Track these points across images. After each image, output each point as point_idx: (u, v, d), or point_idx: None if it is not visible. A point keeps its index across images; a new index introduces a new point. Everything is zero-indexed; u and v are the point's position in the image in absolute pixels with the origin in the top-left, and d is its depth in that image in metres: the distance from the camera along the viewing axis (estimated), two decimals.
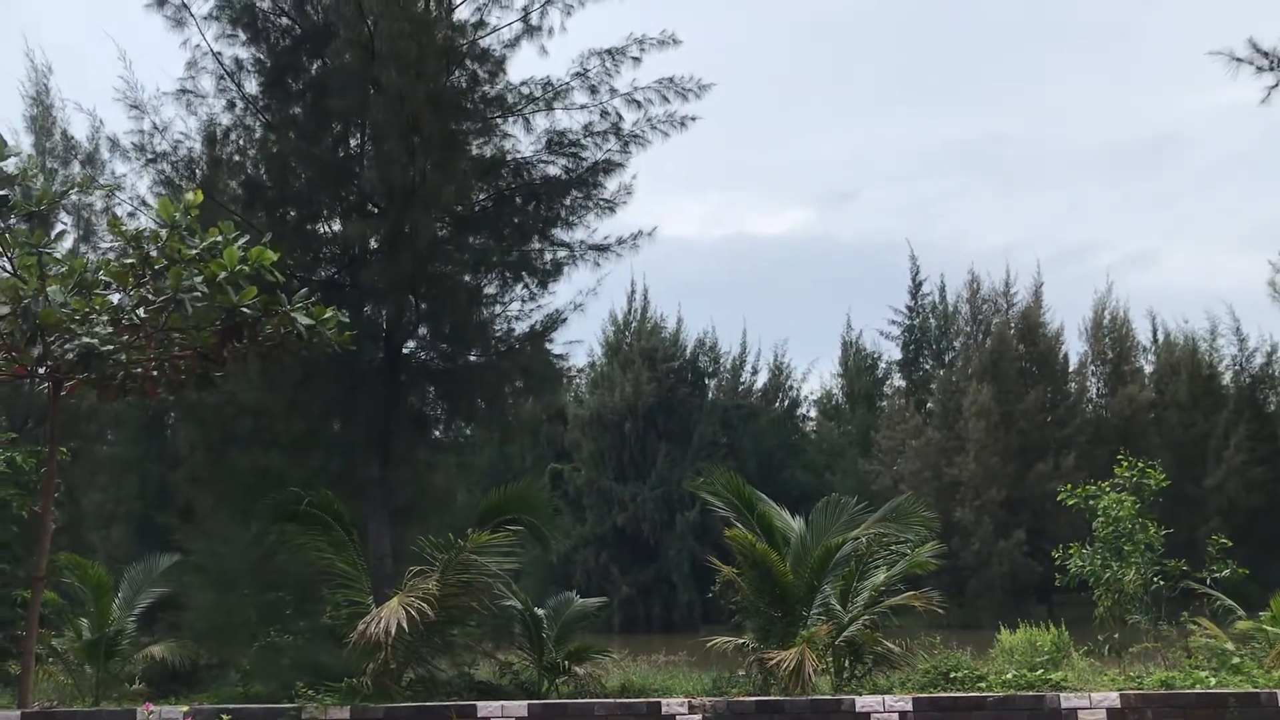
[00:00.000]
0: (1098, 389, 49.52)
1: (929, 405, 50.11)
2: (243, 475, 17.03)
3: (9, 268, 8.45)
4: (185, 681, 17.67)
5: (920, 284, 56.44)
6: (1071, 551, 16.92)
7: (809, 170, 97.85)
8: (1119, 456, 17.70)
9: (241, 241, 9.19)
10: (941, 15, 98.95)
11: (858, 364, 57.72)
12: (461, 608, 11.99)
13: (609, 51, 17.25)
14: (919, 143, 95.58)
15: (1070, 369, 49.37)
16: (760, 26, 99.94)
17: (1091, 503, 16.77)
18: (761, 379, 57.28)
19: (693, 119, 17.64)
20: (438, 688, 12.67)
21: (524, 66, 17.09)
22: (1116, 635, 15.75)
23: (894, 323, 56.41)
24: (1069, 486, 17.55)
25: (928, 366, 55.61)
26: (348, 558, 12.33)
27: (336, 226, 17.82)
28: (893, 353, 57.13)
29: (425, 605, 10.82)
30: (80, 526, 26.16)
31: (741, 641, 13.83)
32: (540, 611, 14.24)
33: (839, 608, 13.56)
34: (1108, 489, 16.77)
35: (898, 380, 56.65)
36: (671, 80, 17.45)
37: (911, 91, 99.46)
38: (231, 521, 16.32)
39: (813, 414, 59.52)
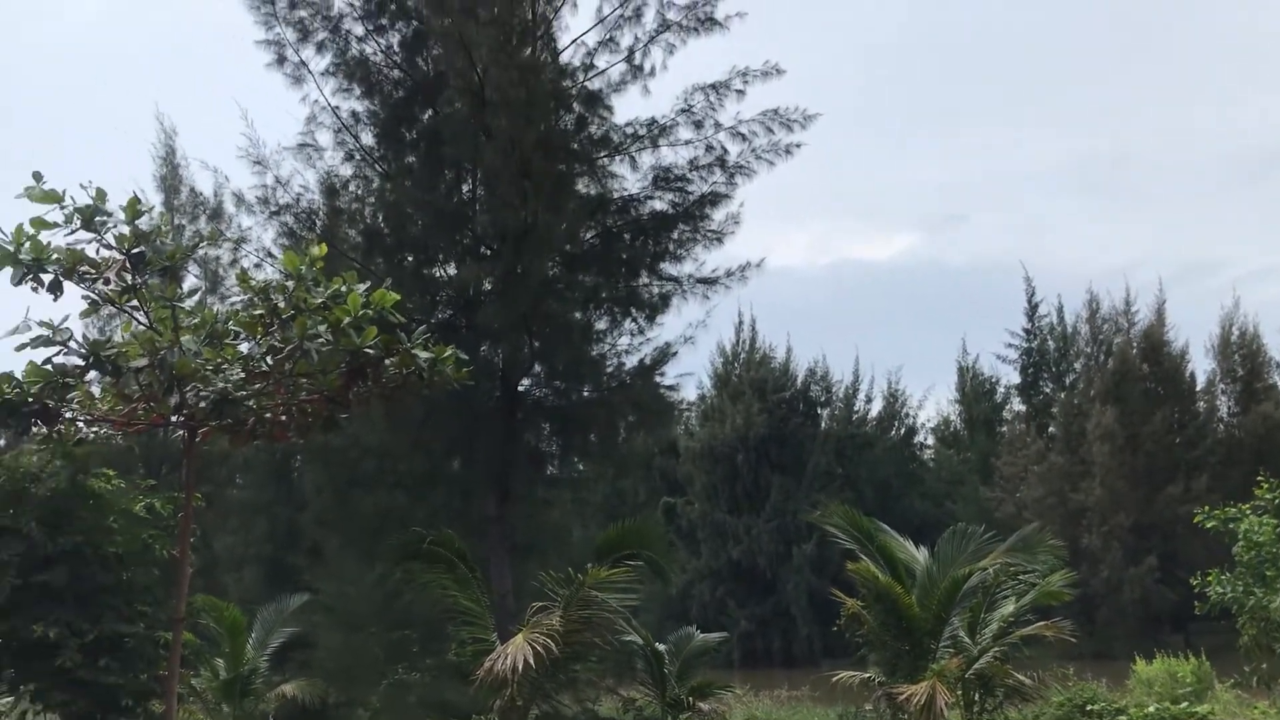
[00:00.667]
0: (1229, 408, 47.52)
1: (1051, 429, 48.73)
2: (367, 516, 17.45)
3: (146, 321, 8.75)
4: (316, 719, 18.08)
5: (1036, 305, 55.02)
6: (1210, 578, 16.22)
7: (914, 194, 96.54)
8: (1258, 478, 16.95)
9: (363, 288, 9.45)
10: (1043, 32, 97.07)
11: (975, 389, 56.45)
12: (584, 644, 12.02)
13: (712, 86, 17.36)
14: (1030, 161, 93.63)
15: (1198, 388, 47.52)
16: (860, 48, 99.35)
17: (1231, 526, 16.07)
18: (876, 407, 56.36)
19: (798, 147, 17.64)
20: None
21: (629, 106, 17.32)
22: (1264, 665, 15.02)
23: (1011, 346, 55.04)
24: (1205, 509, 16.86)
25: (1048, 390, 54.12)
26: (472, 595, 12.48)
27: (452, 270, 18.23)
28: (1011, 376, 55.72)
29: (549, 641, 10.89)
30: (214, 569, 27.01)
31: (867, 676, 13.59)
32: (661, 647, 14.20)
33: (967, 640, 13.24)
34: (1248, 511, 16.06)
35: (1017, 405, 55.23)
36: (776, 112, 17.48)
37: (1020, 110, 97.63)
38: (358, 561, 16.69)
39: (930, 441, 58.32)
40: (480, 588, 12.84)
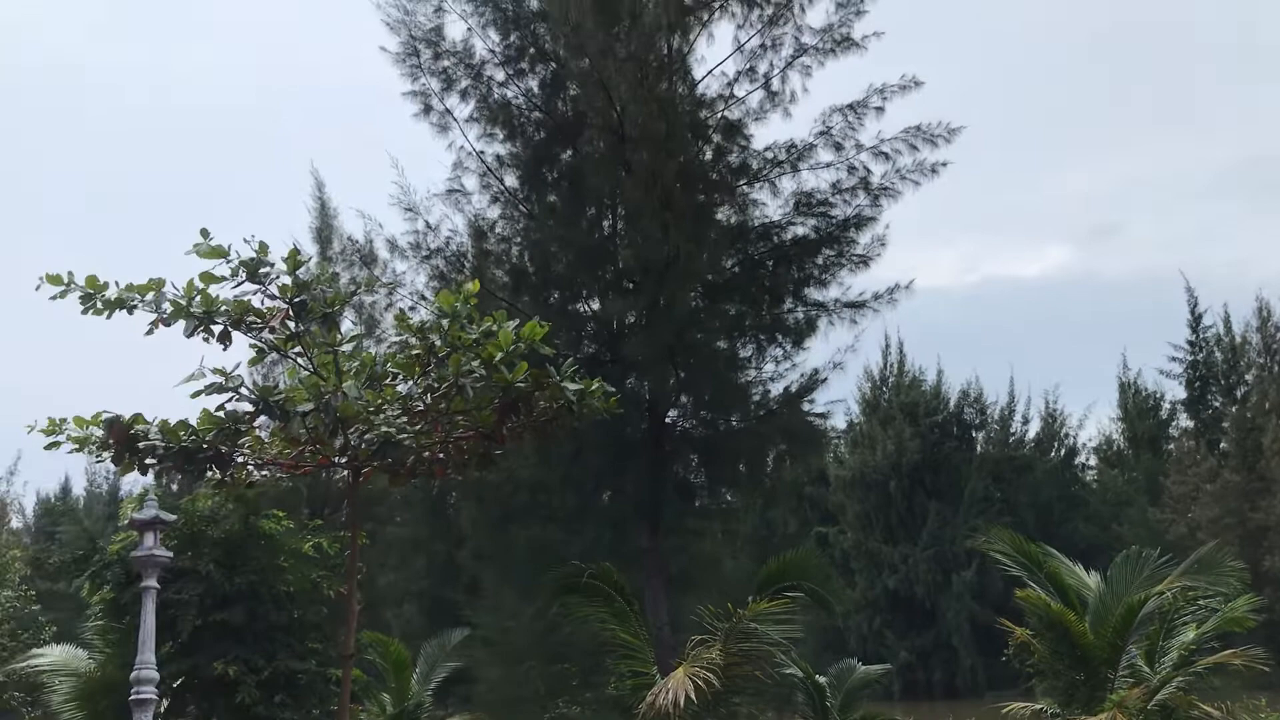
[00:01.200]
0: None
1: (1223, 445, 46.31)
2: (522, 550, 17.69)
3: (309, 366, 9.05)
4: None
5: (1200, 316, 52.45)
6: None
7: (1063, 207, 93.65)
8: None
9: (513, 325, 9.63)
10: (1197, 33, 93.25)
11: (1138, 406, 54.07)
12: (744, 677, 11.87)
13: (850, 107, 17.18)
14: (1187, 169, 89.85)
15: None
16: (999, 60, 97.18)
17: None
18: (1033, 428, 54.54)
19: (943, 165, 17.30)
20: None
21: (767, 132, 17.29)
22: None
23: (1174, 359, 52.56)
24: None
25: (1217, 404, 51.46)
26: (630, 628, 12.45)
27: (595, 305, 18.43)
28: (1176, 391, 53.23)
29: (710, 675, 10.79)
30: (377, 606, 27.74)
31: (1039, 707, 13.03)
32: (822, 679, 13.92)
33: (1146, 669, 12.57)
34: None
35: (1184, 420, 52.69)
36: (918, 129, 17.17)
37: (1172, 115, 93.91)
38: (515, 595, 16.90)
39: (1092, 462, 56.09)
40: (638, 621, 12.82)
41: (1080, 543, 40.72)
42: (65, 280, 8.31)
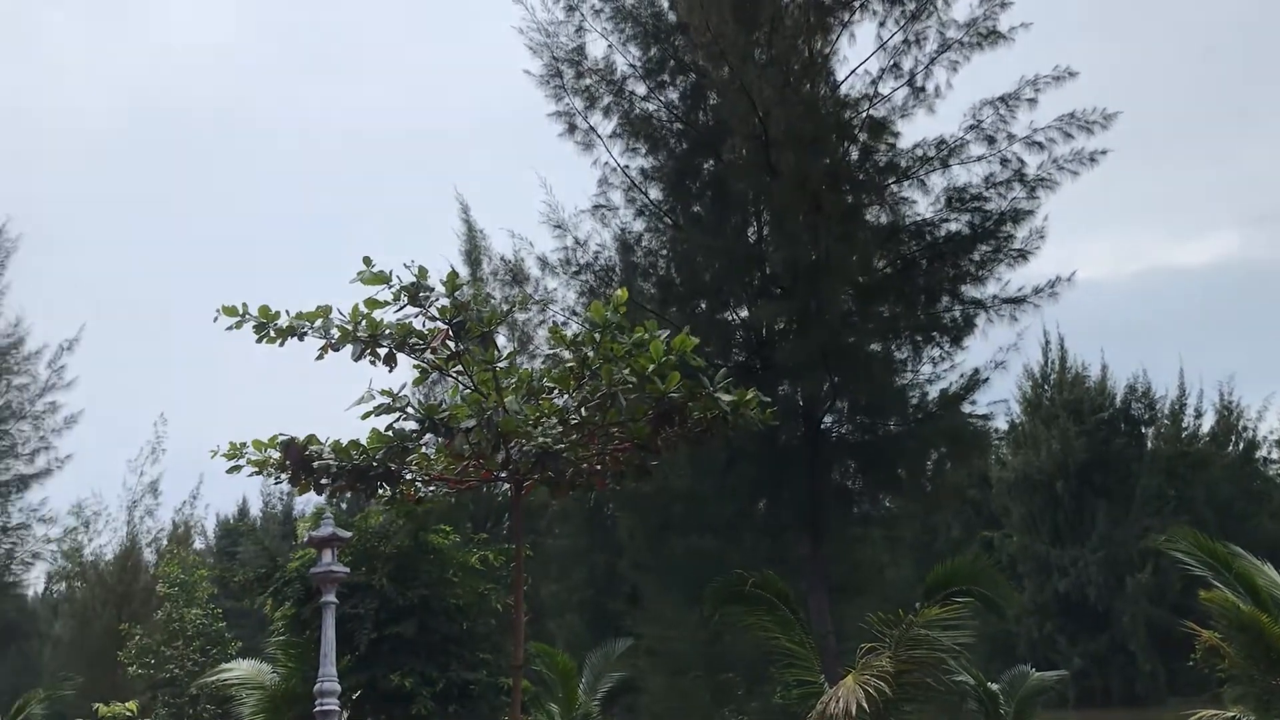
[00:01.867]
0: None
1: None
2: (681, 559, 17.75)
3: (470, 384, 9.28)
4: None
5: None
6: None
7: (1226, 192, 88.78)
8: None
9: (664, 335, 9.69)
10: None
11: None
12: (914, 684, 11.62)
13: (1001, 99, 16.73)
14: None
15: None
16: (1150, 42, 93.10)
17: None
18: (1207, 422, 51.84)
19: (1102, 153, 16.68)
20: None
21: (914, 129, 16.99)
22: None
23: None
24: None
25: None
26: (795, 637, 12.34)
27: (744, 313, 18.39)
28: None
29: (880, 683, 10.61)
30: (541, 617, 28.19)
31: (1231, 715, 12.37)
32: (994, 687, 13.54)
33: None
34: None
35: None
36: (1073, 116, 16.61)
37: None
38: (676, 605, 16.95)
39: (1275, 455, 53.11)
40: (802, 629, 12.71)
41: (1266, 541, 38.51)
42: (240, 311, 8.73)
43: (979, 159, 17.09)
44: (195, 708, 29.14)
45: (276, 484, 11.25)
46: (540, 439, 9.16)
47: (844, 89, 17.51)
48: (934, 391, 17.88)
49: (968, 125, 16.95)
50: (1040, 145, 16.68)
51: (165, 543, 37.46)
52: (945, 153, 17.13)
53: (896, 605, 12.24)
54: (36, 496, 33.82)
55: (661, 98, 18.48)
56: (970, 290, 17.42)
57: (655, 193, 18.72)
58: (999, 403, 20.63)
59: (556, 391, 9.90)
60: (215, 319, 8.67)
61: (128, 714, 16.76)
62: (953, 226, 17.34)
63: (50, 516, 34.09)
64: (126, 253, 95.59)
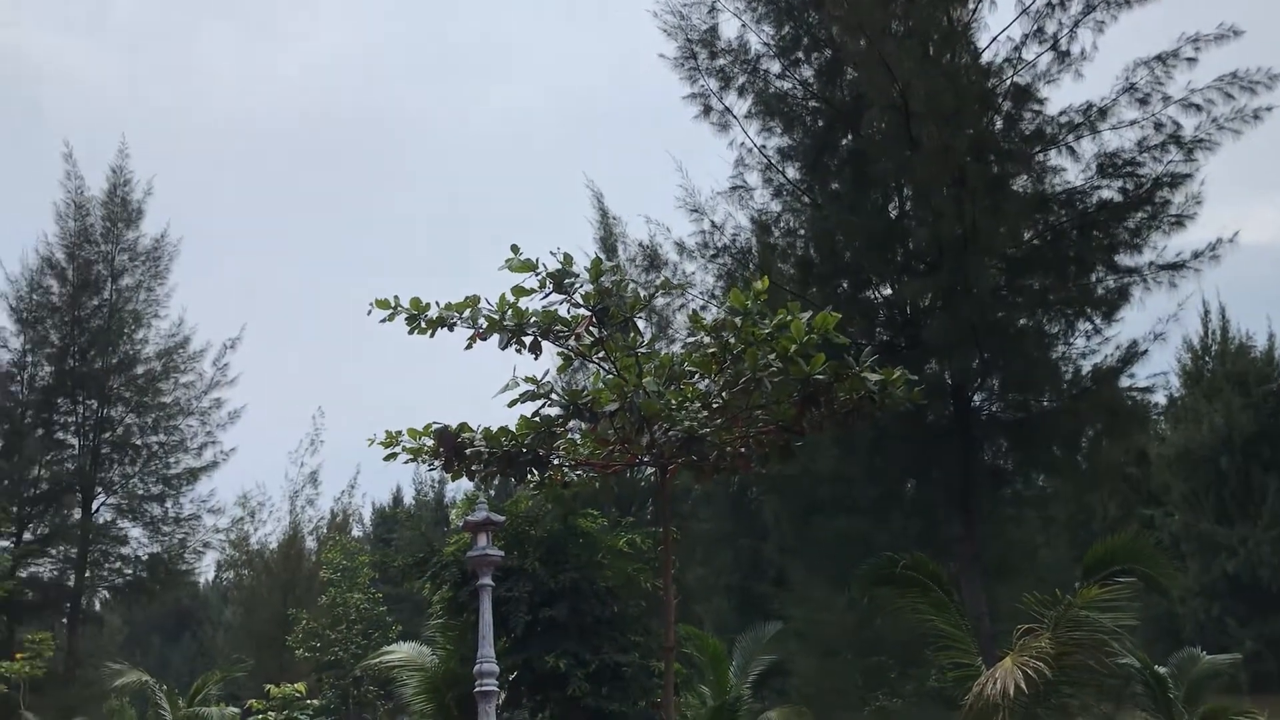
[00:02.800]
0: None
1: None
2: (828, 542, 17.61)
3: (612, 369, 9.38)
4: None
5: None
6: None
7: None
8: None
9: (805, 316, 9.59)
10: None
11: None
12: (1076, 667, 11.29)
13: (1158, 58, 15.99)
14: None
15: None
16: None
17: None
18: None
19: (1267, 110, 15.77)
20: None
21: (1060, 95, 16.40)
22: None
23: None
24: None
25: None
26: (950, 619, 12.11)
27: (887, 291, 18.07)
28: None
29: (1040, 664, 10.34)
30: (688, 600, 28.37)
31: None
32: (1162, 670, 13.04)
33: None
34: None
35: None
36: (1234, 75, 15.77)
37: None
38: (825, 588, 16.82)
39: None
40: (957, 611, 12.49)
41: None
42: (392, 304, 9.01)
43: (1131, 123, 16.39)
44: (359, 689, 30.32)
45: (430, 470, 11.57)
46: (684, 422, 9.21)
47: (986, 56, 17.02)
48: (1088, 366, 17.29)
49: (1120, 88, 16.25)
50: (1198, 107, 15.89)
51: (326, 531, 39.00)
52: (1095, 117, 16.48)
53: (1053, 586, 11.90)
54: (205, 488, 35.53)
55: (796, 75, 18.28)
56: (1125, 259, 16.76)
57: (792, 172, 18.55)
58: (1158, 375, 19.80)
59: (698, 375, 9.94)
60: (369, 312, 8.96)
61: (297, 694, 17.51)
62: (1105, 194, 16.69)
63: (218, 507, 35.81)
64: (283, 252, 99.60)
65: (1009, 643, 11.37)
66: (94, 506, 33.39)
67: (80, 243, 33.95)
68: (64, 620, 33.69)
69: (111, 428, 33.67)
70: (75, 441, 33.76)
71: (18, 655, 22.04)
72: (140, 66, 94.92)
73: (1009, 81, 16.66)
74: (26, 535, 32.51)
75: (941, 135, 14.79)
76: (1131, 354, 16.89)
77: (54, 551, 33.32)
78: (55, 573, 33.62)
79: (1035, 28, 16.65)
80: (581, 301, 8.99)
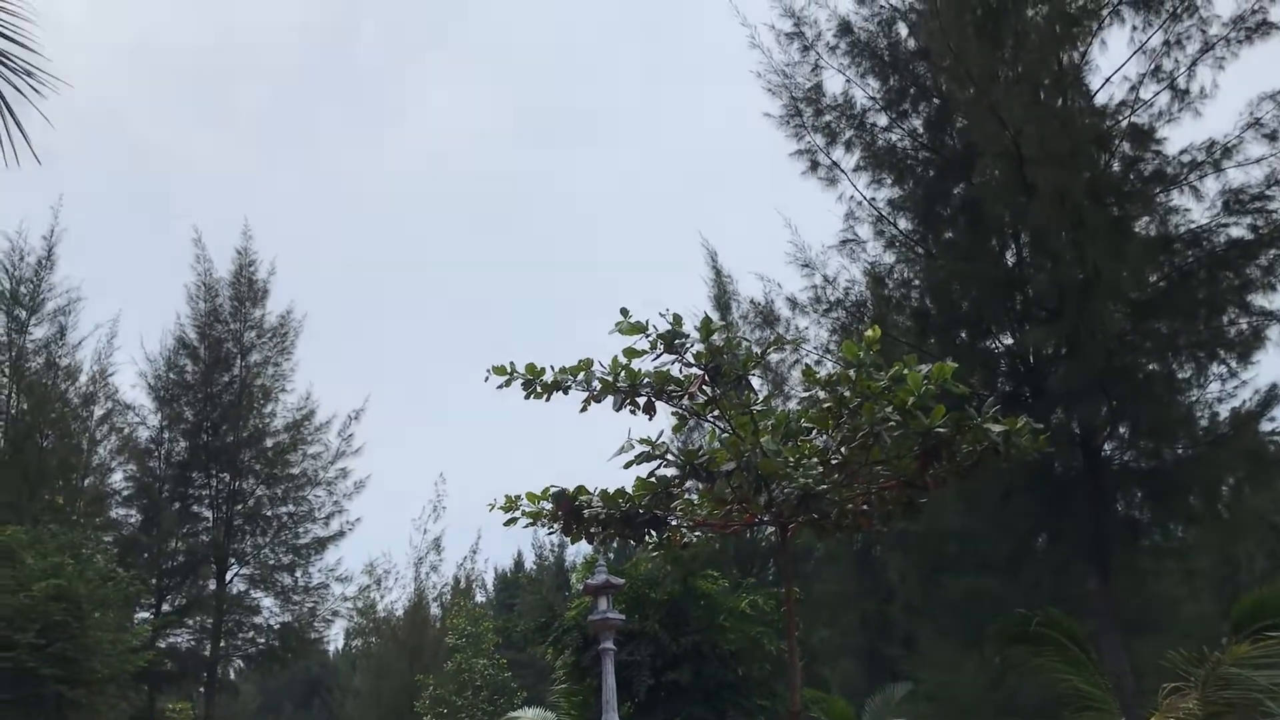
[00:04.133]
0: None
1: None
2: (957, 600, 17.09)
3: (728, 428, 9.32)
4: None
5: None
6: None
7: None
8: None
9: (924, 369, 9.40)
10: None
11: None
12: None
13: None
14: None
15: None
16: None
17: None
18: None
19: None
20: None
21: (1178, 133, 15.90)
22: None
23: None
24: None
25: None
26: (1088, 678, 11.62)
27: (1007, 340, 17.66)
28: None
29: None
30: (813, 663, 27.80)
31: None
32: None
33: None
34: None
35: None
36: None
37: None
38: (954, 648, 16.30)
39: None
40: (1096, 669, 11.98)
41: None
42: (509, 369, 9.13)
43: (1258, 160, 15.82)
44: None
45: (550, 534, 11.63)
46: (802, 480, 9.08)
47: (1100, 98, 16.67)
48: (1224, 411, 16.57)
49: (1244, 124, 15.73)
50: None
51: (450, 596, 39.41)
52: (1218, 155, 15.95)
53: (1198, 642, 11.33)
54: (332, 557, 36.30)
55: (904, 126, 18.16)
56: (1258, 299, 16.08)
57: (904, 223, 18.36)
58: None
59: (815, 432, 9.84)
60: (486, 379, 9.09)
61: None
62: (1233, 232, 16.09)
63: (346, 575, 36.49)
64: (403, 323, 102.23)
65: (1153, 703, 10.84)
66: (228, 577, 34.37)
67: (211, 322, 35.37)
68: (201, 689, 34.58)
69: (243, 500, 34.72)
70: (209, 514, 34.88)
71: None
72: (263, 155, 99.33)
73: (1125, 122, 16.27)
74: (165, 606, 33.59)
75: (1057, 179, 14.46)
76: (1271, 397, 16.15)
77: (191, 622, 34.31)
78: (192, 642, 34.60)
79: (1151, 67, 16.28)
80: (693, 360, 8.98)
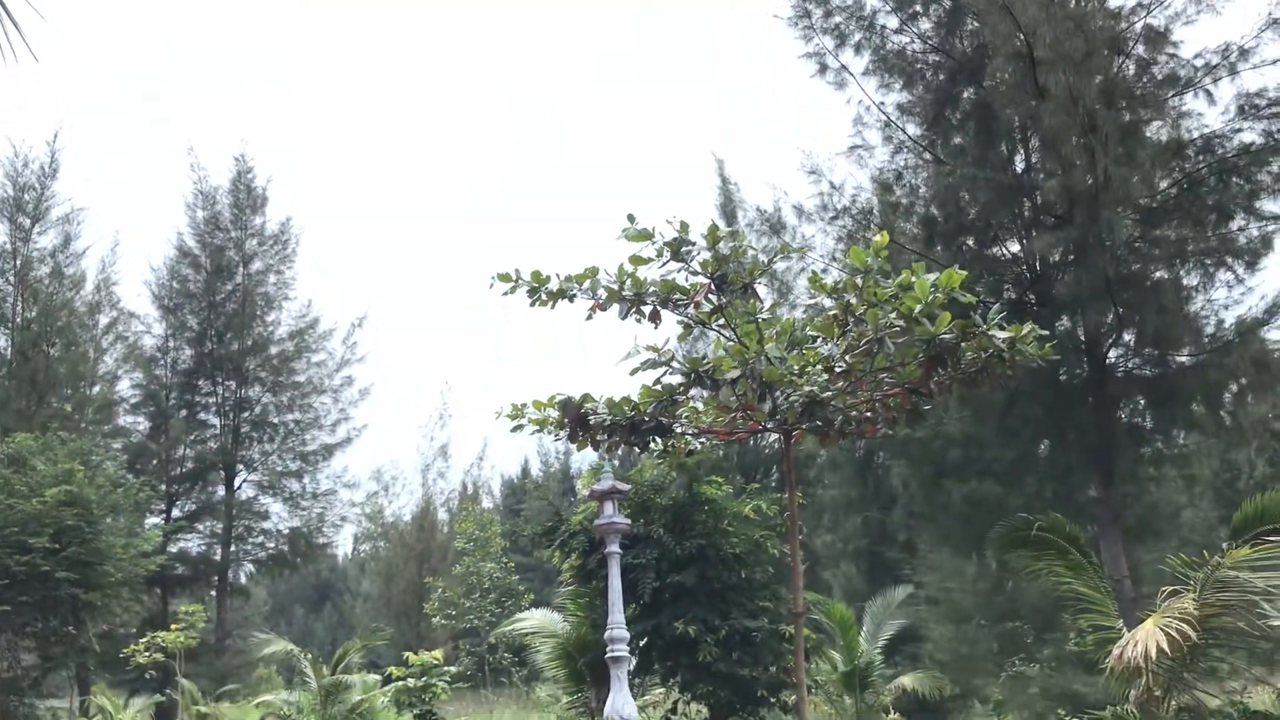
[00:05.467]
0: None
1: None
2: (958, 506, 17.24)
3: (733, 336, 9.31)
4: (933, 711, 18.16)
5: None
6: None
7: None
8: None
9: (931, 277, 9.35)
10: None
11: None
12: (1224, 629, 10.85)
13: None
14: None
15: None
16: None
17: None
18: None
19: None
20: (1206, 717, 11.57)
21: (1196, 35, 15.57)
22: None
23: None
24: None
25: None
26: (1088, 581, 11.76)
27: (1014, 248, 17.56)
28: None
29: (1185, 626, 9.95)
30: (815, 566, 28.22)
31: None
32: None
33: None
34: None
35: None
36: None
37: None
38: (955, 553, 16.49)
39: None
40: (1096, 573, 12.13)
41: None
42: (513, 277, 9.09)
43: (1274, 62, 15.52)
44: (494, 655, 31.02)
45: (556, 441, 11.71)
46: (806, 387, 9.10)
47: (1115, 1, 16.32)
48: (1231, 318, 16.52)
49: (1263, 24, 15.40)
50: None
51: (457, 503, 39.93)
52: (1234, 58, 15.66)
53: (1198, 548, 11.46)
54: (340, 464, 36.78)
55: (914, 28, 17.81)
56: (1268, 204, 15.93)
57: (913, 128, 18.11)
58: None
59: (820, 340, 9.83)
60: (491, 286, 9.06)
61: (435, 661, 17.99)
62: (1246, 137, 15.87)
63: (353, 482, 36.95)
64: (403, 228, 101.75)
65: (1152, 606, 11.00)
66: (236, 483, 34.78)
67: (212, 230, 35.24)
68: (213, 593, 35.24)
69: (250, 407, 34.98)
70: (216, 421, 35.19)
71: (173, 626, 23.13)
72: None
73: (1140, 24, 15.94)
74: (175, 512, 34.06)
75: (1070, 82, 14.22)
76: (1277, 304, 16.08)
77: (201, 527, 34.84)
78: (203, 547, 35.19)
79: None
80: (699, 269, 8.94)
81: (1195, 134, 16.02)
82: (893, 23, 17.81)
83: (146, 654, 21.99)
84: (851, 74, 17.79)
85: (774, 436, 11.36)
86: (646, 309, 9.10)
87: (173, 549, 32.37)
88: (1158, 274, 16.23)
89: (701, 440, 10.50)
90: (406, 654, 18.40)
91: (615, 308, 9.02)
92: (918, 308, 8.67)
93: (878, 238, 9.22)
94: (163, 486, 32.91)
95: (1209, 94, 15.97)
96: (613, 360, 9.22)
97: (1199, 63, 15.97)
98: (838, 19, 17.68)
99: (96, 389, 31.23)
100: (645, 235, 8.80)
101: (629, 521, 11.01)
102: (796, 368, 9.16)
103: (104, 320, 32.12)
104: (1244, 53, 15.62)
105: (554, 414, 9.53)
